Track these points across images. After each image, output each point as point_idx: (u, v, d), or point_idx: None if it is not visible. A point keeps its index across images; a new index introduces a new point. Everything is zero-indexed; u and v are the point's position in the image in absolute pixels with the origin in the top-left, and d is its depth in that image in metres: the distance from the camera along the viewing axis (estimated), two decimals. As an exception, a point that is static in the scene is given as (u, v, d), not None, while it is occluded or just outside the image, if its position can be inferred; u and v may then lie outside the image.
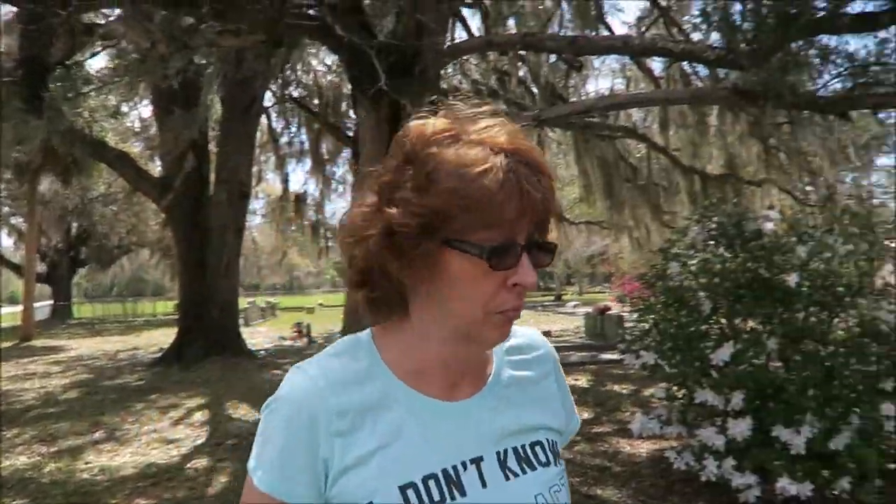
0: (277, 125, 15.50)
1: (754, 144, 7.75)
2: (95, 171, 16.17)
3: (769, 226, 4.53)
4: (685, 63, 6.48)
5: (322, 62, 13.35)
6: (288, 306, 33.71)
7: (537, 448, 0.89)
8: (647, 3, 7.58)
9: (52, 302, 31.83)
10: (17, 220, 26.57)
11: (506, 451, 0.86)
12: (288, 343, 15.89)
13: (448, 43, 6.48)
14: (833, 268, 4.05)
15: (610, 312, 14.16)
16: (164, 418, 7.39)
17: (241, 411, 7.62)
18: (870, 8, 4.06)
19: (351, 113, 9.96)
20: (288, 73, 12.53)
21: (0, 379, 10.81)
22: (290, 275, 61.02)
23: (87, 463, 5.68)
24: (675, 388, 4.34)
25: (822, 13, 3.89)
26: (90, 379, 10.94)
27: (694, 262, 4.58)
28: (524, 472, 0.86)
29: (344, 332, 7.26)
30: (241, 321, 14.70)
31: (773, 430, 3.89)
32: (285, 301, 39.03)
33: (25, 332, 19.19)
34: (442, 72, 7.68)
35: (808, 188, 7.67)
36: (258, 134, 14.27)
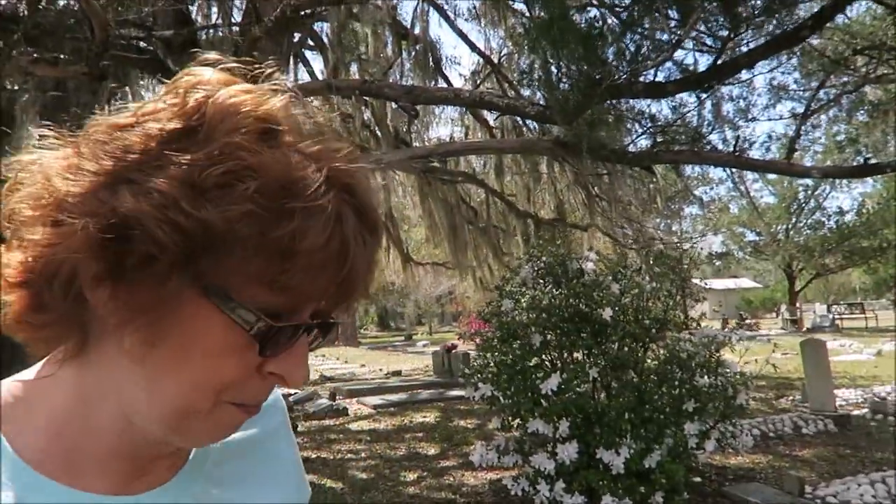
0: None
1: (580, 192, 8.57)
2: None
3: (589, 265, 5.01)
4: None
5: (155, 92, 12.89)
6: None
7: None
8: (480, 59, 8.17)
9: None
10: None
11: None
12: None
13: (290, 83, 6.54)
14: (641, 303, 4.56)
15: (456, 350, 14.57)
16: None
17: None
18: (660, 78, 4.76)
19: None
20: (118, 103, 12.04)
21: None
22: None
23: None
24: (510, 418, 4.59)
25: (621, 79, 4.48)
26: None
27: (525, 298, 4.94)
28: None
29: None
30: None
31: (597, 453, 4.26)
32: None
33: None
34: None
35: (626, 232, 8.56)
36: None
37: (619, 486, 4.17)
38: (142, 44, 6.76)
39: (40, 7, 5.50)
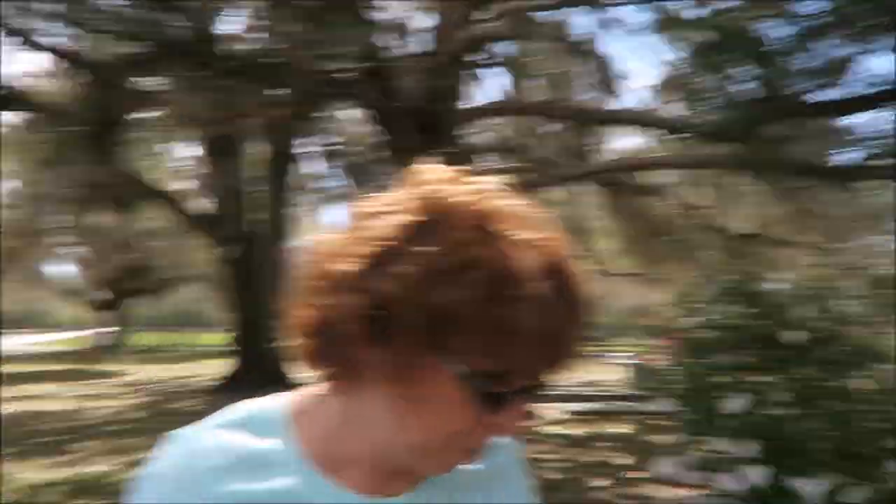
0: (308, 170, 17.04)
1: (781, 206, 8.05)
2: (149, 207, 17.47)
3: (783, 285, 4.84)
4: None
5: (349, 115, 14.40)
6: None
7: None
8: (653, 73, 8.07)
9: (110, 329, 33.90)
10: (78, 250, 28.42)
11: None
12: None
13: (464, 105, 7.14)
14: (839, 328, 4.34)
15: (652, 363, 14.23)
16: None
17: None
18: (825, 97, 4.42)
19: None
20: (320, 128, 13.73)
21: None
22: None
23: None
24: (693, 435, 4.61)
25: (799, 95, 4.28)
26: (154, 401, 11.94)
27: (712, 315, 4.90)
28: None
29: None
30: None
31: (785, 481, 4.14)
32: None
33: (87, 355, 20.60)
34: (468, 129, 8.39)
35: (831, 249, 7.87)
36: (291, 179, 15.62)
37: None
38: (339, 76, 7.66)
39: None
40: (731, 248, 8.50)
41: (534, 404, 0.65)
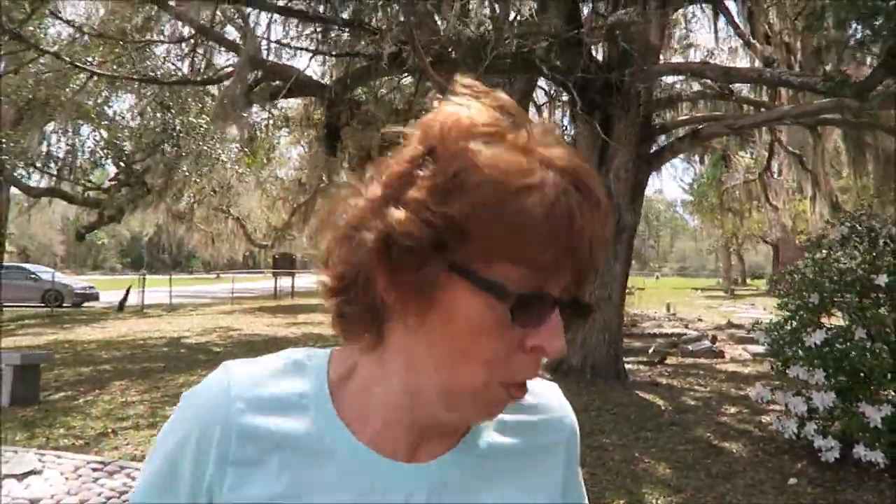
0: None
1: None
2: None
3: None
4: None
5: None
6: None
7: None
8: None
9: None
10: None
11: None
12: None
13: (645, 68, 7.67)
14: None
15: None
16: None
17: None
18: None
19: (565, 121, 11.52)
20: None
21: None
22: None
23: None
24: (779, 364, 5.19)
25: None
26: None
27: (824, 259, 5.31)
28: None
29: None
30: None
31: (858, 406, 4.62)
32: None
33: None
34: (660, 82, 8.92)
35: None
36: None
37: (878, 440, 4.49)
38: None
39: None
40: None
41: (578, 325, 0.60)
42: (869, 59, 4.93)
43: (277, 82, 9.69)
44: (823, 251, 5.41)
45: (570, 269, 0.58)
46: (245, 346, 11.51)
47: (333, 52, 8.78)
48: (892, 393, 4.52)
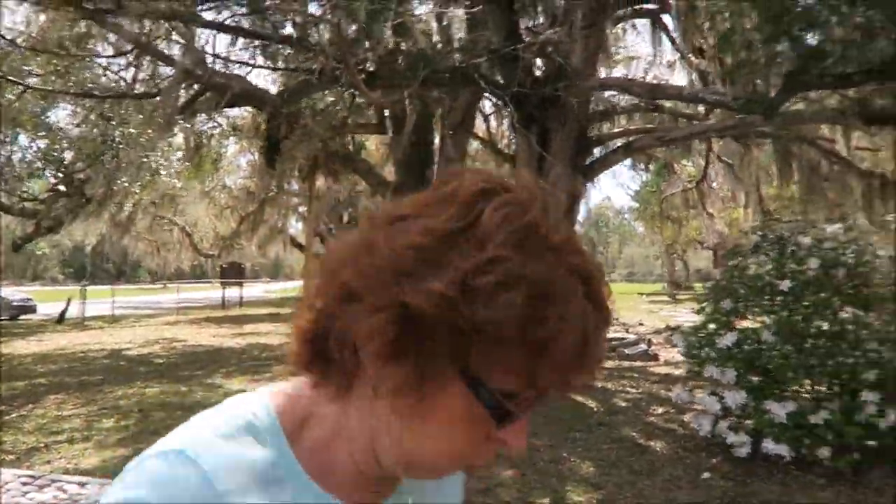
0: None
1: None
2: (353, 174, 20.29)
3: (806, 239, 5.44)
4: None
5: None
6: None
7: None
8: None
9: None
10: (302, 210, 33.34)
11: None
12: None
13: (577, 83, 7.97)
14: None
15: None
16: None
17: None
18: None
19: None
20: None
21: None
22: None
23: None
24: (696, 367, 5.51)
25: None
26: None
27: (739, 266, 5.66)
28: None
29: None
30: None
31: (764, 404, 4.95)
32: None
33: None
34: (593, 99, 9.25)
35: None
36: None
37: (783, 434, 4.82)
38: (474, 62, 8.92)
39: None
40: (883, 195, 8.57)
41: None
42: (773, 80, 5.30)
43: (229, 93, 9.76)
44: (738, 259, 5.77)
45: (566, 384, 0.58)
46: (188, 356, 11.39)
47: (271, 66, 8.89)
48: (799, 389, 4.86)
